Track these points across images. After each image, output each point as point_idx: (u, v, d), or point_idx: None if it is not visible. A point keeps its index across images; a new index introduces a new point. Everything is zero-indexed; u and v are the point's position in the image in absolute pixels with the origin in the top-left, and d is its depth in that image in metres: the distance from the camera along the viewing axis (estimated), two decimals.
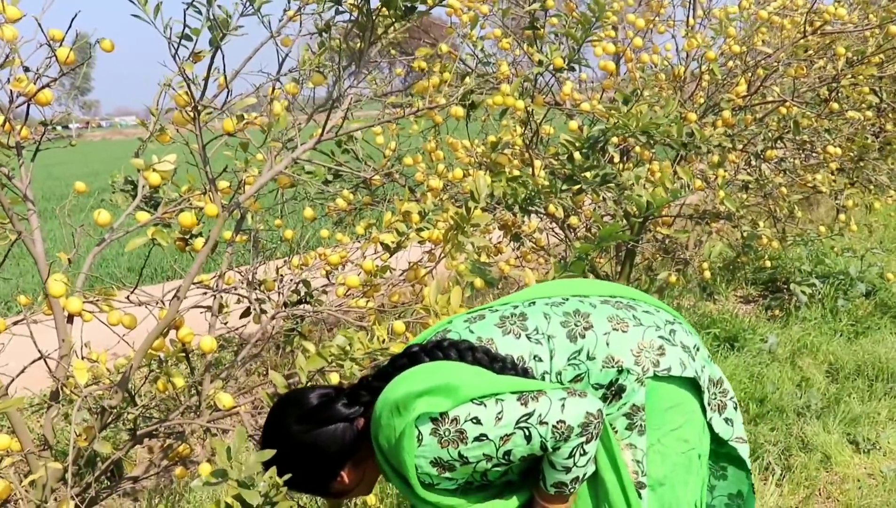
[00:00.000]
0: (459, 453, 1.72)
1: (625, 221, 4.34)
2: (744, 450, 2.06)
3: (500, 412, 1.71)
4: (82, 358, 2.60)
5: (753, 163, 5.12)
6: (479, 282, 2.87)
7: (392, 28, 2.50)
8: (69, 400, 2.28)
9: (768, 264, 6.06)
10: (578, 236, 4.64)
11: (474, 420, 1.71)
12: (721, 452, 2.08)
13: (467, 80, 3.55)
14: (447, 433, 1.71)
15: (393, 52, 4.67)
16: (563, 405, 1.71)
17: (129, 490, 3.50)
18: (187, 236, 2.72)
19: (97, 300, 2.44)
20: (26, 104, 2.19)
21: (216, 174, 2.45)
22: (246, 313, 3.09)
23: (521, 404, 1.71)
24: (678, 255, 5.24)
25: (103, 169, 23.35)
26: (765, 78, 4.62)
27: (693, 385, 1.96)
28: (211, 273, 3.00)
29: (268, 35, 2.56)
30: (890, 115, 5.81)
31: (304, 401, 1.94)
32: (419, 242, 3.01)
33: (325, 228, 4.70)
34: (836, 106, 4.87)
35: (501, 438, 1.71)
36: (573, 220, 4.40)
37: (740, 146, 4.94)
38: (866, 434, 3.93)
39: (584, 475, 1.79)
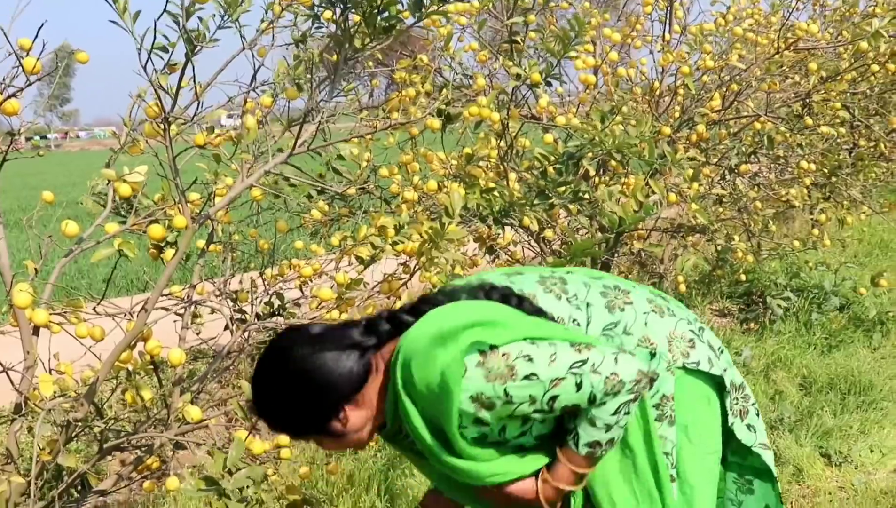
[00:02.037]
0: (505, 390, 1.60)
1: (599, 234, 4.35)
2: (768, 457, 1.97)
3: (553, 355, 1.62)
4: (49, 370, 2.58)
5: (728, 177, 5.15)
6: None
7: (370, 45, 2.49)
8: (35, 413, 2.25)
9: (743, 277, 6.09)
10: (553, 250, 4.65)
11: (526, 358, 1.61)
12: (745, 465, 2.01)
13: (444, 92, 3.55)
14: (496, 367, 1.60)
15: (370, 63, 4.67)
16: (616, 359, 1.64)
17: (99, 504, 3.46)
18: (162, 245, 2.70)
19: (65, 312, 2.42)
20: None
21: (187, 186, 2.44)
22: (227, 328, 3.07)
23: (576, 351, 1.63)
24: (653, 268, 5.26)
25: (81, 180, 23.13)
26: (738, 92, 4.66)
27: (718, 386, 1.90)
28: (183, 284, 2.98)
29: (242, 46, 2.55)
30: (862, 131, 5.87)
31: (310, 328, 1.76)
32: (394, 254, 3.01)
33: (301, 239, 4.69)
34: (809, 121, 4.91)
35: (552, 381, 1.61)
36: (548, 233, 4.41)
37: (714, 161, 4.98)
38: (838, 448, 3.95)
39: (618, 438, 1.72)
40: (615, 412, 1.66)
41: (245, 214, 3.85)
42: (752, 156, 5.07)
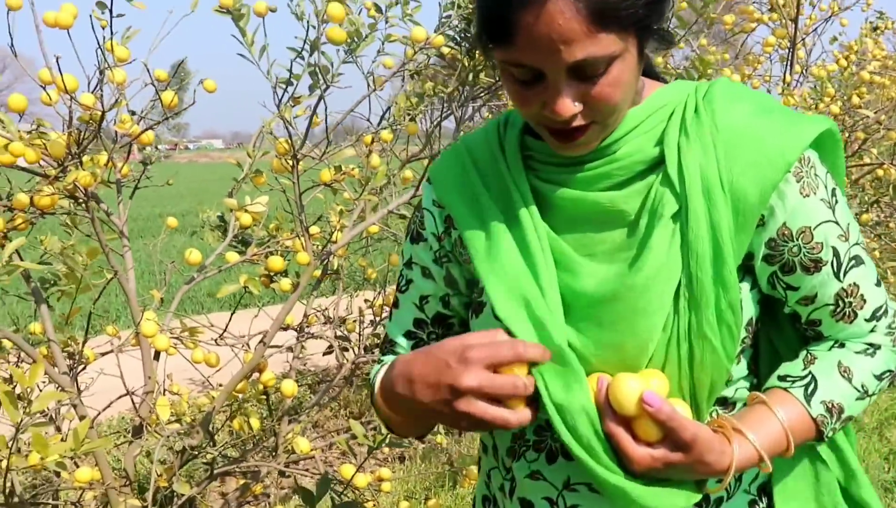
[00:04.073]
0: (835, 190, 1.10)
1: None
2: None
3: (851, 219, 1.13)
4: (164, 391, 2.63)
5: None
6: None
7: (495, 87, 2.49)
8: (150, 435, 2.30)
9: None
10: None
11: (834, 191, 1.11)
12: None
13: None
14: (825, 171, 1.11)
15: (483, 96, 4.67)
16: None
17: None
18: (272, 275, 2.74)
19: (184, 338, 2.47)
20: (129, 145, 2.24)
21: (308, 219, 2.46)
22: (329, 351, 3.10)
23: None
24: None
25: (189, 191, 23.95)
26: (864, 141, 4.49)
27: None
28: (287, 302, 3.01)
29: (365, 84, 2.58)
30: None
31: None
32: None
33: None
34: None
35: (858, 240, 1.11)
36: None
37: None
38: None
39: (852, 418, 1.12)
40: (880, 376, 1.13)
41: (357, 245, 3.88)
42: (874, 205, 4.87)
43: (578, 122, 1.02)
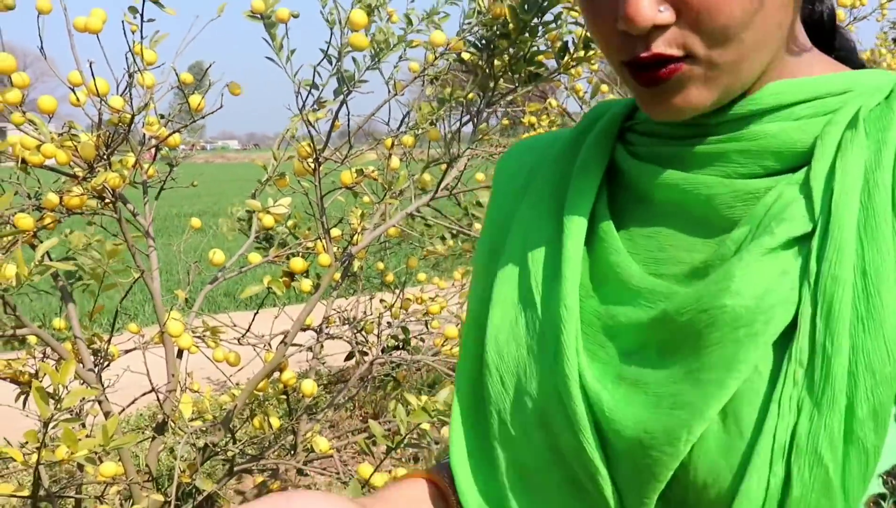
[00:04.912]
0: None
1: None
2: None
3: None
4: (184, 388, 2.68)
5: None
6: None
7: (513, 90, 2.53)
8: (175, 433, 2.34)
9: None
10: None
11: None
12: None
13: None
14: None
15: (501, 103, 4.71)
16: None
17: None
18: (293, 275, 2.78)
19: (205, 337, 2.51)
20: (155, 147, 2.29)
21: (329, 221, 2.50)
22: (349, 356, 3.14)
23: None
24: None
25: (206, 192, 24.05)
26: None
27: None
28: (308, 303, 3.06)
29: (386, 89, 2.61)
30: None
31: None
32: None
33: (423, 271, 4.75)
34: None
35: None
36: None
37: None
38: None
39: None
40: None
41: (375, 247, 3.93)
42: None
43: (665, 48, 0.62)
